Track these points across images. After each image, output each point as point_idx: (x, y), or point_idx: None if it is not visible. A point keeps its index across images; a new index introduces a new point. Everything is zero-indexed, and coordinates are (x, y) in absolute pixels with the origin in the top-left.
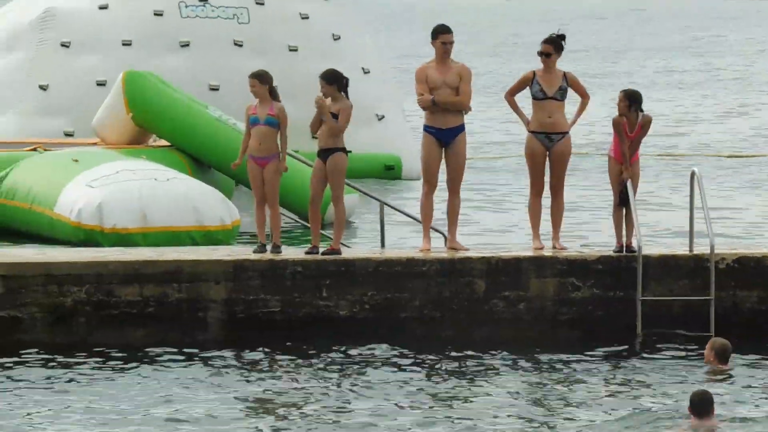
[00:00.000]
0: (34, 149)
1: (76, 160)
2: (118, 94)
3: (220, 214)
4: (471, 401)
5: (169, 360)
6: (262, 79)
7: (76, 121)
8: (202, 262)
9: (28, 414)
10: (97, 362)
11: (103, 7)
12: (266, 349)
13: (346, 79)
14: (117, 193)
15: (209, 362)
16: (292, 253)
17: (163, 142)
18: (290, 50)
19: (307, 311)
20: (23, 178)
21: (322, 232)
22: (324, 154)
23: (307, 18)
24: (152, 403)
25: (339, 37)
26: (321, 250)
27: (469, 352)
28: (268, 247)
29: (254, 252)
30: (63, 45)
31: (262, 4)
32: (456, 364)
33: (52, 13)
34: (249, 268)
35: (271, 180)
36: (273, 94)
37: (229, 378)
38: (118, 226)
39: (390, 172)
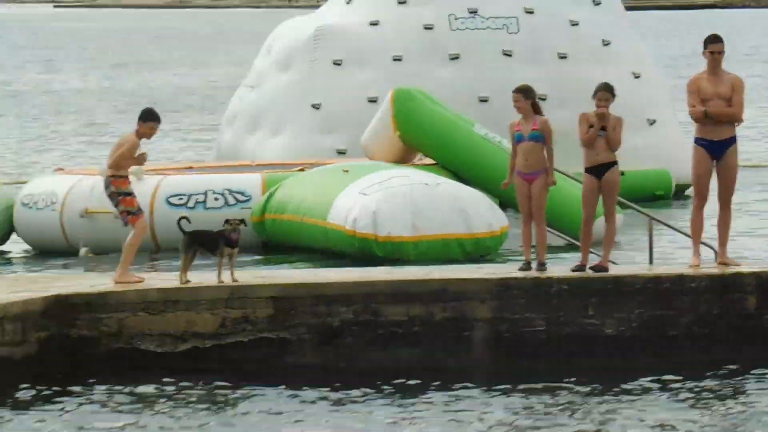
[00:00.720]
0: (302, 169)
1: (347, 171)
2: (386, 112)
3: (489, 220)
4: (744, 419)
5: (432, 380)
6: (525, 94)
7: (349, 139)
8: (467, 281)
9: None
10: (364, 382)
11: (373, 23)
12: (529, 368)
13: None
14: (390, 198)
15: (474, 380)
16: (557, 270)
17: (429, 161)
18: (560, 57)
19: (572, 330)
20: (292, 192)
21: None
22: (597, 169)
23: (577, 24)
24: (424, 420)
25: (609, 43)
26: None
27: (740, 371)
28: (533, 265)
29: (519, 270)
30: (335, 63)
31: (532, 12)
32: (726, 382)
33: (324, 31)
34: (514, 287)
35: (539, 195)
36: (536, 108)
37: (495, 397)
38: (393, 234)
39: (660, 199)
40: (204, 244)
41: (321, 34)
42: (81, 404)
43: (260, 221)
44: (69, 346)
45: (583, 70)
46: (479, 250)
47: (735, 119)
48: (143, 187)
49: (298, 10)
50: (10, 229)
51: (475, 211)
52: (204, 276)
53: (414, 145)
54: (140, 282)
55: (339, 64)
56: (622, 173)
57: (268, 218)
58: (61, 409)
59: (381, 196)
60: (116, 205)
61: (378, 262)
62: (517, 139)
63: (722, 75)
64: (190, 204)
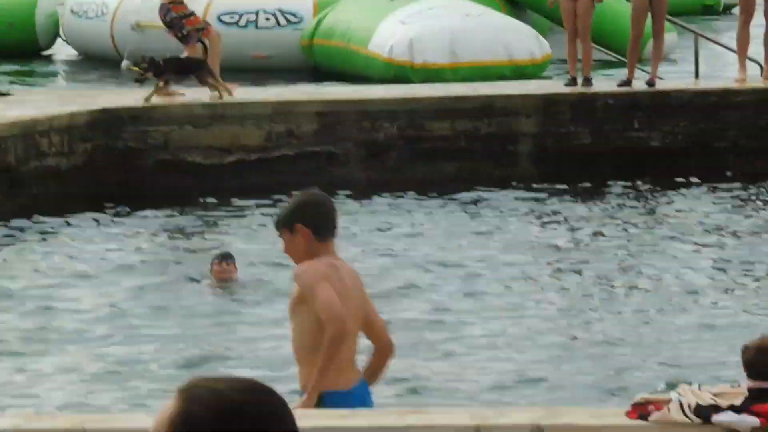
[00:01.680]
0: None
1: (392, 0)
2: None
3: (530, 48)
4: None
5: (480, 192)
6: None
7: None
8: (513, 97)
9: (347, 240)
10: (410, 194)
11: None
12: (572, 183)
13: None
14: (428, 28)
15: (519, 194)
16: (604, 85)
17: None
18: None
19: (619, 144)
20: (340, 18)
21: (639, 66)
22: None
23: None
24: (471, 235)
25: None
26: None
27: None
28: (579, 80)
29: (565, 85)
30: None
31: None
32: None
33: None
34: (560, 102)
35: (584, 12)
36: None
37: (541, 210)
38: (429, 61)
39: (709, 9)
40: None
41: None
42: (130, 223)
43: (309, 45)
44: (116, 158)
45: None
46: (520, 77)
47: None
48: (194, 4)
49: None
50: (55, 35)
51: (516, 39)
52: (250, 91)
53: None
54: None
55: None
56: None
57: (316, 43)
58: (111, 223)
59: (420, 25)
60: (181, 29)
61: None
62: None
63: None
64: (242, 23)
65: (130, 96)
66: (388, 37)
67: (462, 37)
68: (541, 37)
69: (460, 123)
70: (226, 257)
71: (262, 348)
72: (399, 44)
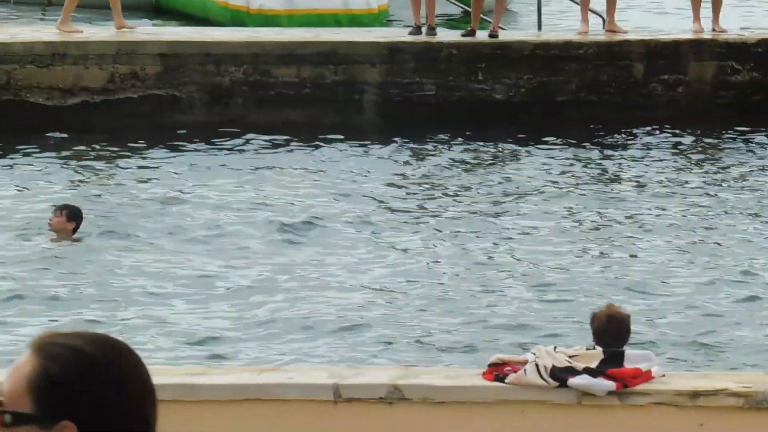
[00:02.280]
0: None
1: None
2: None
3: None
4: (623, 175)
5: (324, 140)
6: None
7: None
8: (357, 44)
9: (189, 183)
10: (252, 140)
11: None
12: (420, 132)
13: None
14: None
15: (363, 144)
16: (447, 35)
17: None
18: None
19: (462, 95)
20: None
21: (482, 16)
22: None
23: None
24: (310, 176)
25: None
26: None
27: (625, 133)
28: (424, 30)
29: (409, 34)
30: None
31: None
32: (612, 140)
33: None
34: (404, 50)
35: None
36: None
37: (383, 159)
38: (264, 7)
39: None
40: None
41: None
42: None
43: None
44: None
45: None
46: (356, 26)
47: None
48: None
49: None
50: None
51: None
52: (93, 30)
53: None
54: (79, 32)
55: None
56: None
57: None
58: None
59: None
60: None
61: None
62: None
63: None
64: None
65: None
66: None
67: None
68: None
69: (304, 69)
70: (61, 209)
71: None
72: None
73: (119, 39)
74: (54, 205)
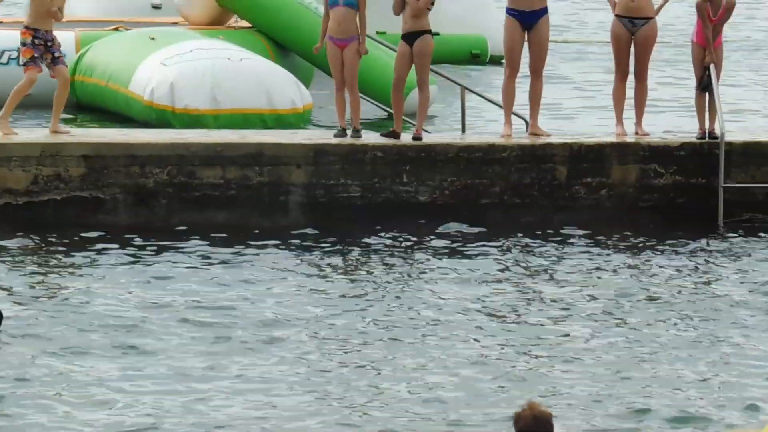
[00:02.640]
0: (116, 29)
1: (153, 38)
2: None
3: (291, 97)
4: (550, 281)
5: (250, 242)
6: None
7: None
8: (283, 146)
9: (112, 287)
10: (177, 243)
11: None
12: (345, 233)
13: None
14: (189, 71)
15: (290, 245)
16: (372, 137)
17: (245, 24)
18: None
19: (387, 196)
20: (101, 55)
21: (404, 118)
22: (409, 37)
23: None
24: (234, 284)
25: None
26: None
27: (549, 236)
28: (349, 132)
29: (335, 136)
30: None
31: None
32: (535, 245)
33: None
34: (330, 152)
35: (351, 62)
36: None
37: (309, 261)
38: (190, 106)
39: (476, 59)
40: None
41: None
42: None
43: (71, 81)
44: None
45: None
46: (281, 126)
47: None
48: None
49: None
50: None
51: (277, 87)
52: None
53: (229, 7)
54: (13, 135)
55: None
56: (436, 34)
57: (78, 79)
58: None
59: (180, 68)
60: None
61: None
62: (331, 3)
63: None
64: (3, 60)
65: None
66: (149, 78)
67: (223, 82)
68: (302, 86)
69: (229, 170)
70: None
71: None
72: (159, 87)
73: (43, 141)
74: None
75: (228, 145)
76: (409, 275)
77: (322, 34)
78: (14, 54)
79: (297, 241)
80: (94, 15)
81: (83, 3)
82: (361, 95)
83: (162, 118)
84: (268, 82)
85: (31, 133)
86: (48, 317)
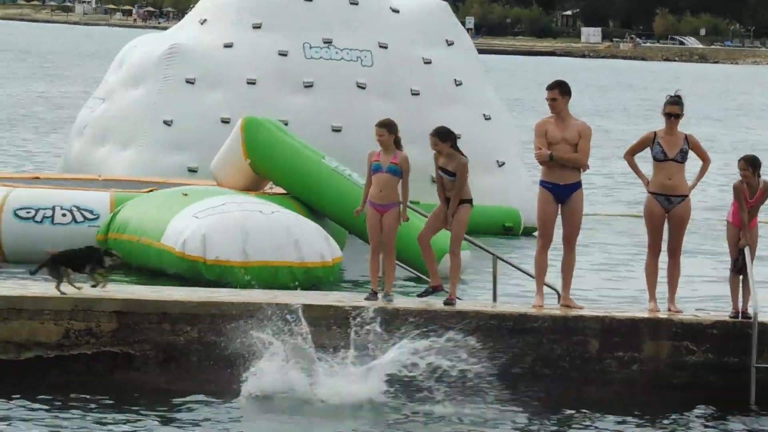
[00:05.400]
0: (151, 191)
1: (186, 194)
2: (236, 139)
3: (321, 251)
4: None
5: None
6: (389, 129)
7: (201, 157)
8: (314, 307)
9: None
10: (207, 402)
11: (228, 46)
12: None
13: (456, 136)
14: (220, 223)
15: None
16: (404, 301)
17: (280, 190)
18: (413, 94)
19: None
20: (134, 212)
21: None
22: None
23: (430, 63)
24: None
25: (461, 83)
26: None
27: (579, 408)
28: (380, 296)
29: (366, 299)
30: (188, 81)
31: (386, 47)
32: (565, 418)
33: (177, 49)
34: (362, 312)
35: (390, 227)
36: (397, 144)
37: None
38: (221, 257)
39: (508, 231)
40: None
41: (174, 53)
42: None
43: (104, 240)
44: None
45: (435, 108)
46: (310, 279)
47: (580, 165)
48: None
49: (143, 30)
50: None
51: (307, 241)
52: (49, 287)
53: (264, 174)
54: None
55: (192, 83)
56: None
57: (111, 237)
58: None
59: (212, 220)
60: None
61: (213, 285)
62: (374, 169)
63: (570, 121)
64: (38, 218)
65: None
66: (181, 230)
67: (254, 235)
68: (331, 239)
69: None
70: None
71: None
72: (191, 239)
73: (75, 295)
74: None
75: (259, 305)
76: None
77: (364, 198)
78: (48, 213)
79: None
80: (131, 174)
81: (122, 163)
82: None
83: (193, 269)
84: (298, 234)
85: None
86: None
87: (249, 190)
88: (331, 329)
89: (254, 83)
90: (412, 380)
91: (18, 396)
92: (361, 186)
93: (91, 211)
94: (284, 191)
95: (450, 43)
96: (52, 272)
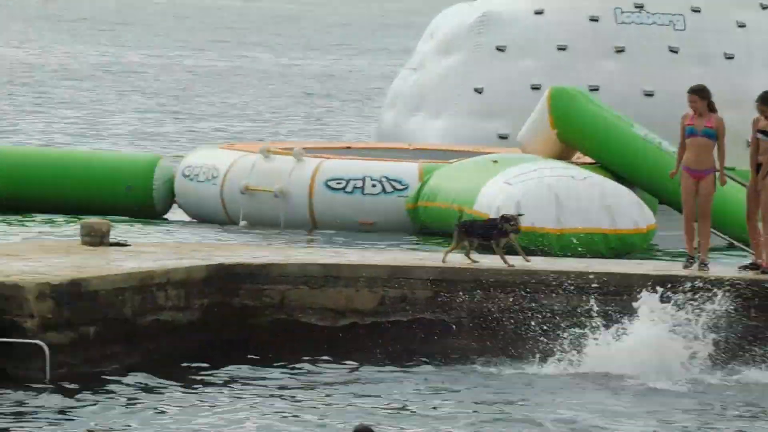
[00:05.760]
0: (457, 161)
1: (496, 161)
2: (543, 109)
3: (634, 217)
4: None
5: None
6: (702, 95)
7: (511, 124)
8: (630, 276)
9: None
10: (516, 368)
11: (538, 12)
12: None
13: None
14: (534, 189)
15: None
16: (720, 270)
17: (588, 159)
18: (726, 58)
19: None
20: (444, 180)
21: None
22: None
23: (744, 26)
24: None
25: None
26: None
27: None
28: (695, 264)
29: (684, 267)
30: (498, 49)
31: (699, 11)
32: None
33: (489, 17)
34: (680, 281)
35: (706, 193)
36: (711, 108)
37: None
38: (535, 224)
39: None
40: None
41: (486, 20)
42: (249, 381)
43: (414, 208)
44: (232, 315)
45: (750, 72)
46: (624, 246)
47: None
48: (302, 168)
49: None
50: (172, 200)
51: (621, 207)
52: (364, 254)
53: (571, 144)
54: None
55: (502, 50)
56: None
57: (421, 205)
58: (228, 383)
59: (526, 186)
60: None
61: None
62: (688, 133)
63: None
64: (348, 189)
65: (246, 252)
66: (494, 197)
67: (567, 201)
68: (645, 206)
69: (572, 299)
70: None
71: None
72: (506, 205)
73: (390, 263)
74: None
75: (573, 274)
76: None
77: (678, 160)
78: (359, 183)
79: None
80: (442, 142)
81: (433, 132)
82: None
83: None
84: (611, 201)
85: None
86: None
87: (556, 159)
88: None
89: (564, 49)
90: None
91: (328, 360)
92: (672, 155)
93: (399, 182)
94: (593, 161)
95: (765, 7)
96: (459, 241)
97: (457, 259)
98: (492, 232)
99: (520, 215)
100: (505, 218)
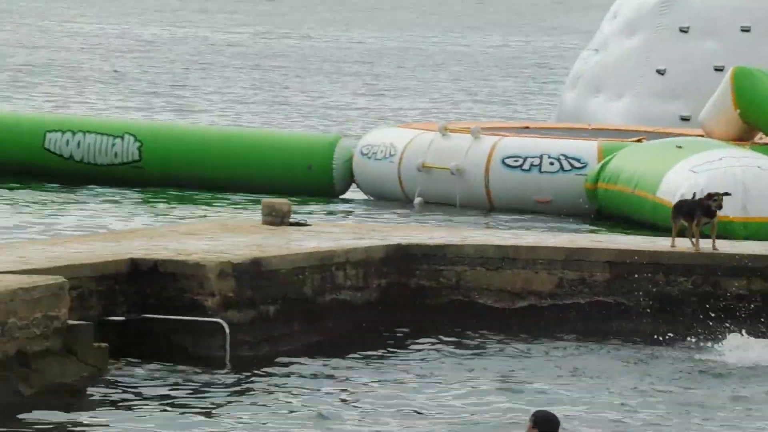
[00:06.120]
0: (639, 140)
1: (680, 147)
2: (726, 89)
3: None
4: None
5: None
6: None
7: (693, 106)
8: None
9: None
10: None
11: None
12: None
13: None
14: (719, 178)
15: None
16: None
17: None
18: None
19: None
20: (625, 163)
21: None
22: None
23: None
24: None
25: None
26: None
27: None
28: None
29: None
30: (681, 30)
31: None
32: None
33: None
34: None
35: None
36: None
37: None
38: (720, 213)
39: None
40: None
41: (669, 1)
42: (426, 358)
43: (593, 189)
44: (409, 295)
45: None
46: None
47: None
48: (479, 146)
49: None
50: (351, 180)
51: None
52: (541, 236)
53: (754, 123)
54: None
55: (685, 32)
56: None
57: (600, 187)
58: (409, 360)
59: (711, 175)
60: None
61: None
62: None
63: None
64: (525, 166)
65: (423, 233)
66: (679, 184)
67: (754, 191)
68: None
69: (755, 282)
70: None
71: None
72: (691, 194)
73: (568, 245)
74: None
75: (754, 257)
76: None
77: None
78: (536, 161)
79: None
80: (623, 123)
81: (615, 112)
82: None
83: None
84: None
85: (556, 236)
86: None
87: (739, 140)
88: None
89: (748, 30)
90: None
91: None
92: None
93: (578, 160)
94: None
95: None
96: (675, 221)
97: (636, 241)
98: (696, 212)
99: (726, 194)
100: (710, 195)
